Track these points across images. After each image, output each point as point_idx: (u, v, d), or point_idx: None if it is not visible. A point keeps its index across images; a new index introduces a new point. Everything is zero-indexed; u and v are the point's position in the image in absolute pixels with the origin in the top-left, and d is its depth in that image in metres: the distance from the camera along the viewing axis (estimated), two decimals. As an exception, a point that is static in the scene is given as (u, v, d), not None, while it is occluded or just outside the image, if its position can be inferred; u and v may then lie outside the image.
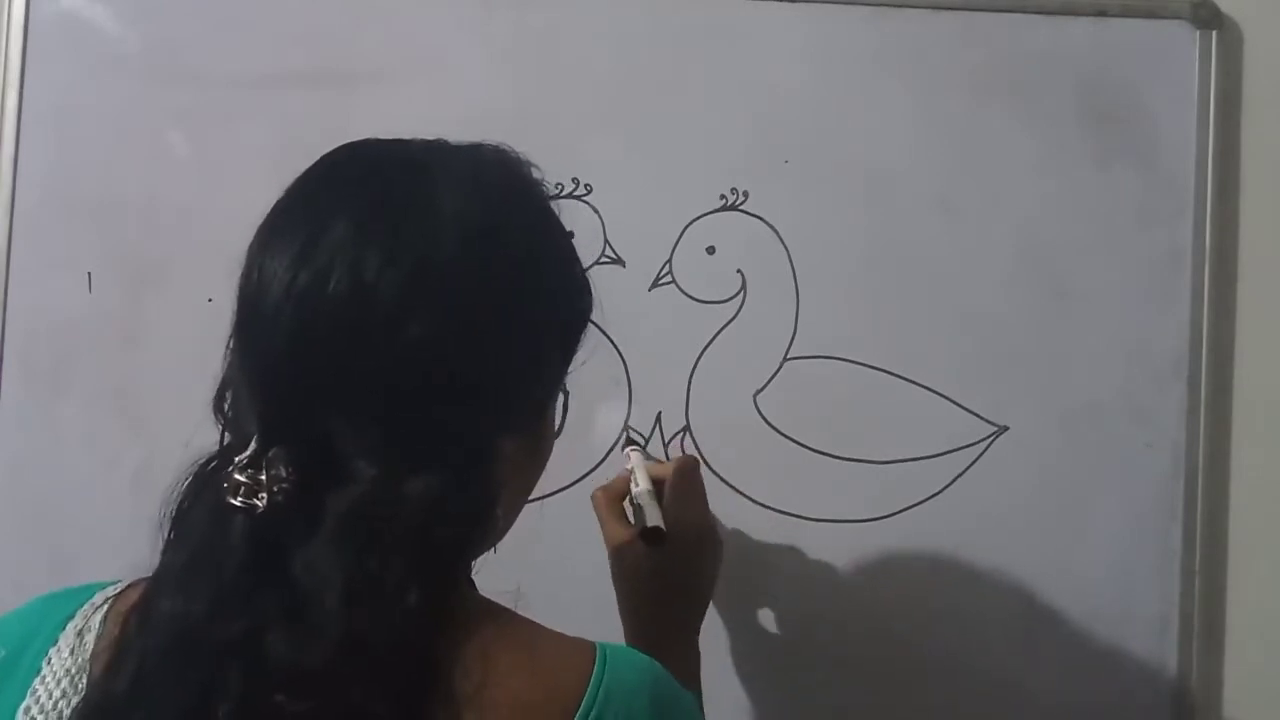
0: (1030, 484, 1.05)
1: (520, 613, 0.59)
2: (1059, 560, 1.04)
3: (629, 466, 0.90)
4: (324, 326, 0.54)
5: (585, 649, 0.56)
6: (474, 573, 0.62)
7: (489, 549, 0.63)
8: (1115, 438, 1.05)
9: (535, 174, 0.65)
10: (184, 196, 1.05)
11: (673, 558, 0.82)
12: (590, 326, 0.68)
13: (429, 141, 0.62)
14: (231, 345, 0.59)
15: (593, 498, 0.88)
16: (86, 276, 1.04)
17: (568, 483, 1.02)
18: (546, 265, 0.63)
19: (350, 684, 0.50)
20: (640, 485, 0.86)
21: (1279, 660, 1.06)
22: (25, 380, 1.04)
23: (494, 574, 0.63)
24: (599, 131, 1.05)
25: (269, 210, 0.60)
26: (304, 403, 0.55)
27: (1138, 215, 1.07)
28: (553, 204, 0.65)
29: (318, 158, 0.62)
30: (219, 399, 0.59)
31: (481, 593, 0.61)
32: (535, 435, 0.65)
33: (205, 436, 0.59)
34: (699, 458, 0.95)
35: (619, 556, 0.84)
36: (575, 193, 1.04)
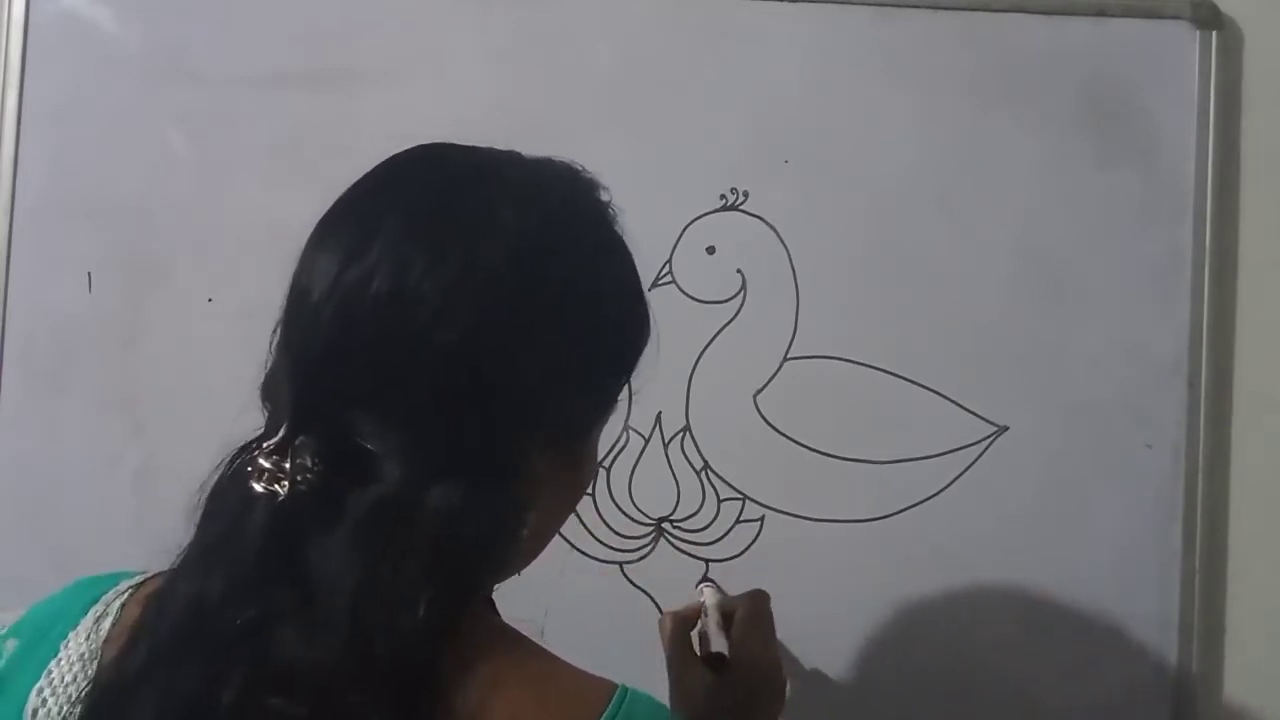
0: (1030, 484, 1.05)
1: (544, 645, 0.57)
2: (1059, 560, 1.04)
3: (702, 600, 0.89)
4: (362, 324, 0.54)
5: (603, 687, 0.55)
6: (493, 592, 0.61)
7: (514, 572, 0.62)
8: (1115, 438, 1.05)
9: (603, 196, 0.63)
10: (184, 196, 1.05)
11: (735, 687, 0.81)
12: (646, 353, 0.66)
13: (499, 151, 0.62)
14: (278, 332, 0.58)
15: (660, 622, 0.87)
16: (86, 276, 1.04)
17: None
18: (599, 288, 0.61)
19: (349, 689, 0.50)
20: (710, 615, 0.86)
21: (1279, 660, 1.06)
22: (25, 380, 1.04)
23: (517, 600, 0.61)
24: (598, 131, 1.05)
25: (331, 204, 0.60)
26: (335, 396, 0.55)
27: (1138, 215, 1.07)
28: (619, 230, 0.63)
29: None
30: (266, 385, 0.59)
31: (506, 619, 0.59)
32: (574, 458, 0.63)
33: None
34: (768, 594, 0.91)
35: (680, 680, 0.82)
36: (575, 193, 1.04)
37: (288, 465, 0.53)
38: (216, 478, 0.57)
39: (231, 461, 0.57)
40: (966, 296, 1.06)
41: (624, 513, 1.04)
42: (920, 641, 1.04)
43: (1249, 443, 1.07)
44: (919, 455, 1.05)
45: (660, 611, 1.02)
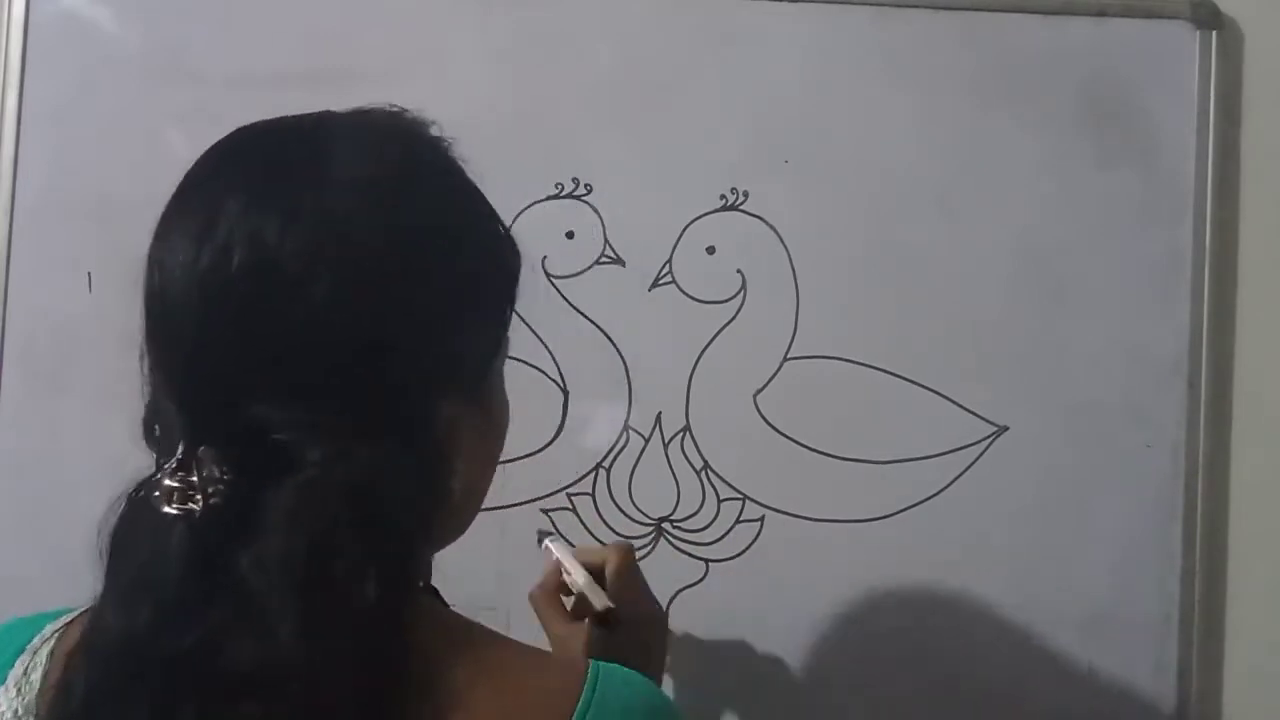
0: (1030, 484, 1.05)
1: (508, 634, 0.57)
2: (1059, 560, 1.04)
3: (554, 558, 0.87)
4: (232, 304, 0.52)
5: (573, 668, 0.54)
6: (432, 576, 0.60)
7: (454, 536, 0.61)
8: (1115, 438, 1.05)
9: (435, 132, 0.63)
10: (184, 196, 1.05)
11: (625, 640, 0.79)
12: (525, 282, 0.64)
13: (316, 113, 0.62)
14: (146, 357, 0.56)
15: (531, 597, 0.85)
16: (86, 276, 1.04)
17: (568, 483, 1.02)
18: (455, 220, 0.60)
19: (311, 682, 0.49)
20: (575, 574, 0.84)
21: (1279, 660, 1.06)
22: (25, 380, 1.04)
23: (477, 589, 0.61)
24: (599, 131, 1.05)
25: (165, 203, 0.58)
26: (225, 391, 0.52)
27: (1138, 215, 1.07)
28: (460, 163, 0.63)
29: None
30: (148, 426, 0.56)
31: (466, 612, 0.58)
32: (483, 399, 0.61)
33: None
34: (632, 545, 0.91)
35: (568, 648, 0.80)
36: (575, 192, 1.04)
37: (195, 479, 0.51)
38: (117, 517, 0.54)
39: (131, 496, 0.54)
40: (966, 296, 1.06)
41: (624, 513, 1.04)
42: (920, 641, 1.04)
43: (1249, 443, 1.07)
44: (919, 455, 1.05)
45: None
